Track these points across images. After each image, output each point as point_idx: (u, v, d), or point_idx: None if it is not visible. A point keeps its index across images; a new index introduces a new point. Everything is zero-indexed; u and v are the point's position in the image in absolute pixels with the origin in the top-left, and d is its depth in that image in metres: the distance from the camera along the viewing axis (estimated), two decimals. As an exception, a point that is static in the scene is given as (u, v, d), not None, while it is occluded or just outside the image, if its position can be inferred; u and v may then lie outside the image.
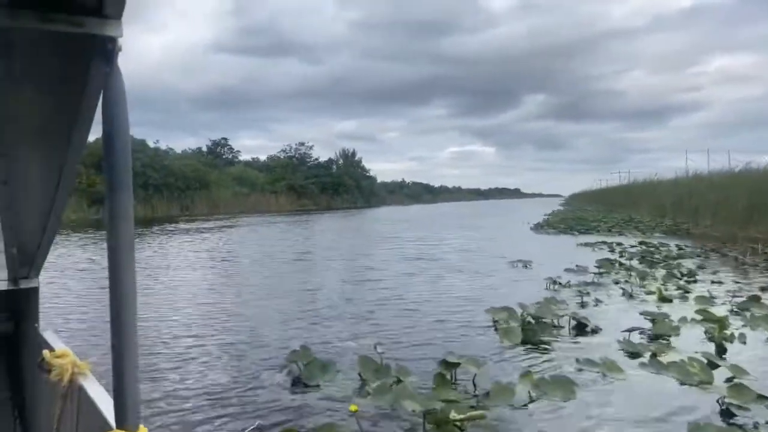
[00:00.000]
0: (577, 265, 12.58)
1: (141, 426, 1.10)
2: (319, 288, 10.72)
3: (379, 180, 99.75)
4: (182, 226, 31.91)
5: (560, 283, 10.45)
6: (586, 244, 18.22)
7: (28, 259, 2.39)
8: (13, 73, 1.16)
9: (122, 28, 0.96)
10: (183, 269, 13.73)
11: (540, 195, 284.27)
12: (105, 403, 1.55)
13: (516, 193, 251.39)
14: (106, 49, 0.97)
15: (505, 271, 12.66)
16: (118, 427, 1.08)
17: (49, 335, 2.31)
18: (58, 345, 2.12)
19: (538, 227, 28.10)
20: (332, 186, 77.88)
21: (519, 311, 7.66)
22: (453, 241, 20.97)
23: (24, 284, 2.55)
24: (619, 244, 17.77)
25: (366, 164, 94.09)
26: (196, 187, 50.94)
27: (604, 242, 18.58)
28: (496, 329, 7.17)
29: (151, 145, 49.13)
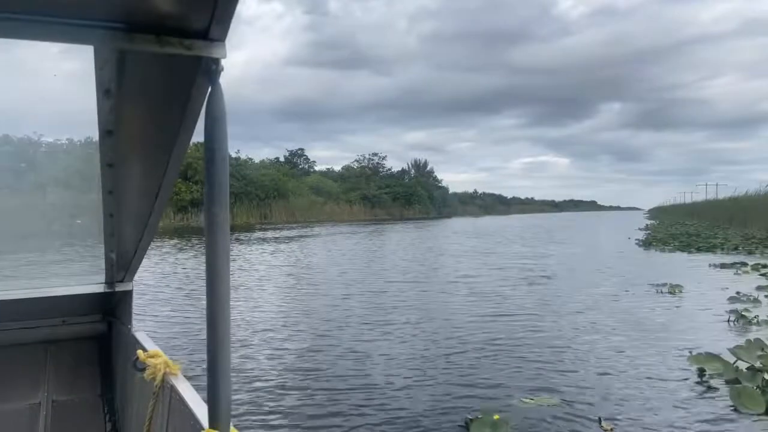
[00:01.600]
0: (739, 292, 10.54)
1: (232, 427, 1.12)
2: (451, 322, 8.74)
3: (450, 190, 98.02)
4: (261, 235, 31.69)
5: (746, 318, 8.49)
6: (722, 265, 15.86)
7: (124, 264, 2.46)
8: (126, 91, 1.27)
9: (226, 50, 1.02)
10: (274, 289, 12.75)
11: (618, 208, 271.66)
12: (195, 403, 1.56)
13: (592, 206, 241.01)
14: (210, 69, 1.03)
15: (652, 298, 10.76)
16: (211, 426, 1.11)
17: (141, 336, 2.35)
18: (150, 346, 2.15)
19: (646, 243, 25.49)
20: (405, 196, 76.97)
21: (732, 360, 5.93)
22: (559, 258, 19.05)
23: (119, 287, 2.61)
24: (765, 266, 15.30)
25: (437, 174, 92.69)
26: (274, 196, 51.35)
27: (743, 263, 16.13)
28: (707, 386, 5.49)
29: (233, 155, 49.89)
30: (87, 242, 2.57)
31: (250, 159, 57.06)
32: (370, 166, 79.70)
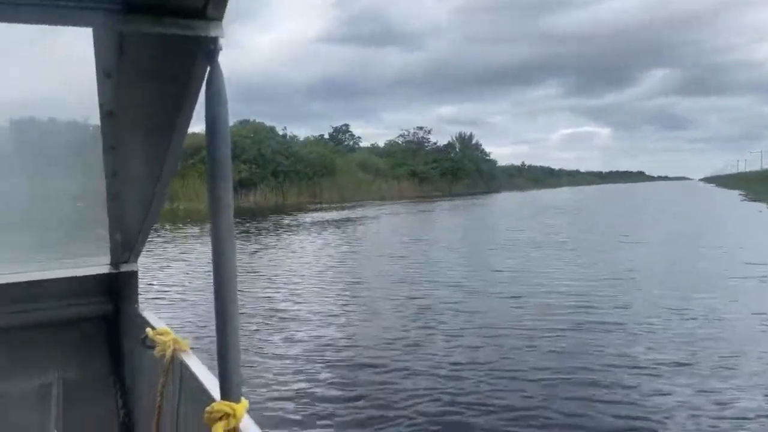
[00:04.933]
0: None
1: (243, 398, 1.14)
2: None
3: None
4: (316, 217, 29.89)
5: None
6: None
7: (128, 245, 2.54)
8: (126, 72, 1.28)
9: (223, 29, 1.01)
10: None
11: (666, 178, 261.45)
12: (206, 377, 1.59)
13: (640, 177, 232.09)
14: (209, 49, 1.02)
15: None
16: (223, 398, 1.13)
17: (148, 315, 2.40)
18: (158, 324, 2.18)
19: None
20: (452, 171, 74.23)
21: None
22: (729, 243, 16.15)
23: (124, 268, 2.70)
24: None
25: (484, 148, 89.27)
26: (323, 174, 49.61)
27: None
28: None
29: (279, 132, 48.27)
30: (91, 224, 2.59)
31: (295, 136, 55.51)
32: (416, 140, 77.04)
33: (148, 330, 2.05)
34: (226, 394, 1.14)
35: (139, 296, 2.71)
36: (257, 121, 46.89)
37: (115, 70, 1.30)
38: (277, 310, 8.50)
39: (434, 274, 11.05)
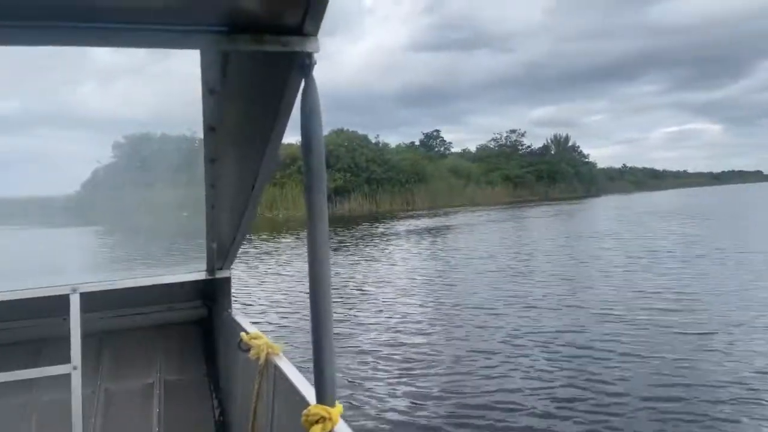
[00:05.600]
0: None
1: (338, 403, 1.16)
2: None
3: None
4: (410, 223, 29.49)
5: None
6: None
7: (223, 252, 2.59)
8: (226, 89, 1.34)
9: (318, 44, 1.04)
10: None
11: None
12: (300, 381, 1.62)
13: (758, 176, 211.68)
14: (304, 63, 1.06)
15: None
16: (318, 402, 1.15)
17: (241, 319, 2.47)
18: (251, 328, 2.24)
19: None
20: (549, 174, 71.29)
21: None
22: None
23: (219, 275, 2.77)
24: None
25: (582, 150, 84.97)
26: (415, 180, 49.38)
27: None
28: None
29: (372, 140, 48.65)
30: (189, 233, 2.65)
31: (386, 144, 55.79)
32: (508, 144, 74.95)
33: (242, 334, 2.11)
34: (321, 398, 1.16)
35: (233, 301, 2.77)
36: (350, 130, 47.54)
37: (218, 87, 1.34)
38: (371, 321, 8.22)
39: (558, 297, 10.00)
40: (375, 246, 18.25)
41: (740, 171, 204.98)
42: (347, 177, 43.76)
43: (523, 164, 68.95)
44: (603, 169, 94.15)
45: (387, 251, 16.82)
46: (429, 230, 24.10)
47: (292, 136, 1.39)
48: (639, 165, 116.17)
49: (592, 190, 78.46)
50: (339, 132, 46.62)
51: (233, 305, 2.76)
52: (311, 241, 1.12)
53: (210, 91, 1.38)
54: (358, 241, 20.07)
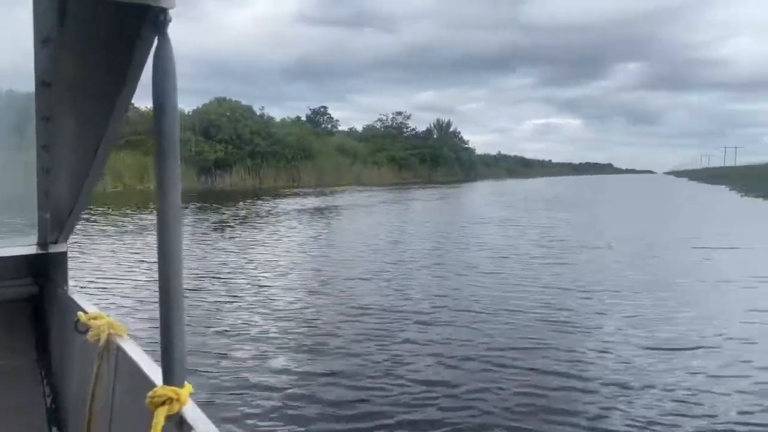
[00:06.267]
0: None
1: (186, 383, 1.10)
2: None
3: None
4: (297, 201, 28.17)
5: None
6: None
7: (58, 224, 2.39)
8: (63, 39, 1.20)
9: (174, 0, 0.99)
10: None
11: (633, 171, 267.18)
12: (145, 362, 1.51)
13: (609, 169, 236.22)
14: (157, 20, 0.98)
15: None
16: (165, 383, 1.09)
17: (79, 298, 2.25)
18: (90, 307, 2.07)
19: None
20: (432, 158, 72.98)
21: None
22: None
23: (53, 248, 2.55)
24: None
25: (463, 136, 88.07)
26: (301, 157, 47.66)
27: None
28: None
29: (257, 112, 45.95)
30: (19, 201, 2.43)
31: (272, 118, 53.17)
32: (394, 125, 75.38)
33: (80, 314, 1.90)
34: (168, 379, 1.10)
35: (69, 279, 2.55)
36: (233, 99, 44.45)
37: (54, 36, 1.23)
38: (243, 303, 7.42)
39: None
40: (258, 226, 16.75)
41: (595, 163, 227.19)
42: (229, 149, 40.94)
43: (407, 147, 69.78)
44: (480, 156, 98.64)
45: (272, 231, 15.43)
46: (317, 210, 22.90)
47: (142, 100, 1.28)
48: (511, 153, 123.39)
49: (471, 175, 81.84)
50: (221, 101, 43.38)
51: (70, 283, 2.50)
52: (162, 212, 1.03)
53: (44, 40, 1.26)
54: (241, 220, 18.37)
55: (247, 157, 42.17)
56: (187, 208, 21.32)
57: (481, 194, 38.57)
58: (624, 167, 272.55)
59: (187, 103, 41.31)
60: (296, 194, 32.61)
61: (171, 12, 0.96)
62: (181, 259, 1.07)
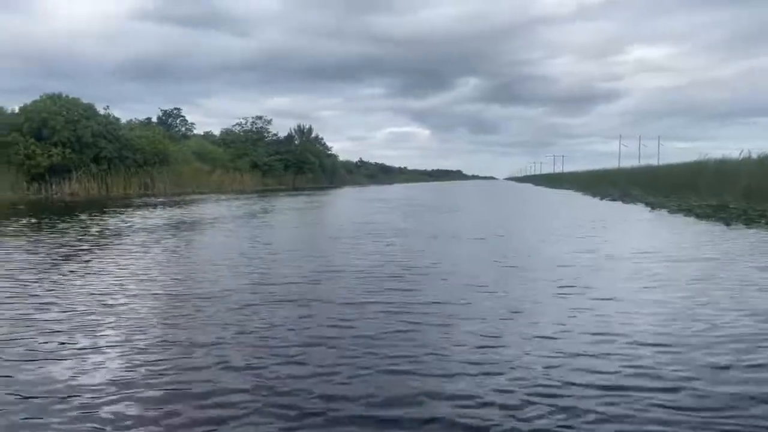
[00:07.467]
0: None
1: None
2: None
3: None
4: (157, 215, 25.21)
5: None
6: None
7: None
8: None
9: None
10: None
11: (477, 177, 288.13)
12: None
13: (459, 175, 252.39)
14: None
15: None
16: None
17: None
18: None
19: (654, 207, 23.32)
20: (296, 164, 71.52)
21: None
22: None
23: None
24: None
25: (326, 142, 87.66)
26: (155, 162, 43.44)
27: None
28: None
29: (101, 111, 40.86)
30: None
31: (117, 119, 47.76)
32: (254, 130, 72.57)
33: None
34: None
35: None
36: (70, 97, 39.04)
37: None
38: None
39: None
40: (103, 253, 14.27)
41: (447, 170, 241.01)
42: (67, 153, 35.79)
43: (270, 152, 67.56)
44: (343, 162, 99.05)
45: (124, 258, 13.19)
46: (174, 225, 20.40)
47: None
48: (368, 160, 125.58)
49: (334, 181, 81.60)
50: (55, 97, 37.81)
51: None
52: None
53: None
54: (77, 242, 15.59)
55: (91, 162, 37.25)
56: (22, 219, 17.68)
57: (356, 200, 38.02)
58: (470, 174, 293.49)
59: (6, 100, 35.15)
60: (151, 205, 29.11)
61: None
62: None
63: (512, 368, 4.22)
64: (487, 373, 4.11)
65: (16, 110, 37.27)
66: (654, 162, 59.26)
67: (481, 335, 5.14)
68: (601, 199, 33.67)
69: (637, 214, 22.24)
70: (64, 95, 38.27)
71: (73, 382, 4.05)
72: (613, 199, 31.54)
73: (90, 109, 39.08)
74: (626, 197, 31.08)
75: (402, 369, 4.26)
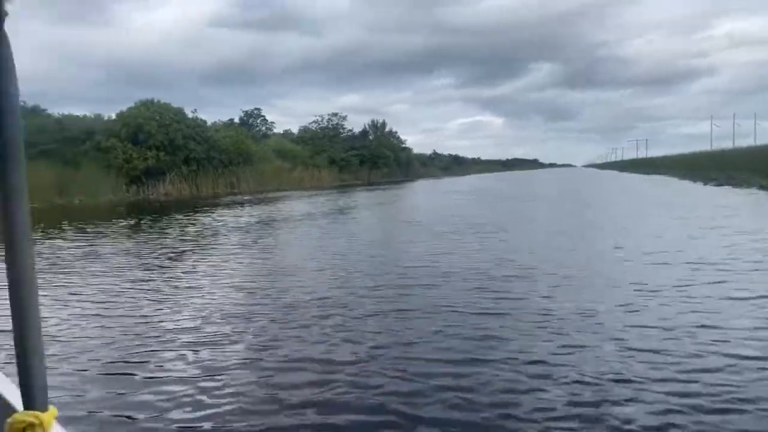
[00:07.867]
0: None
1: (51, 407, 1.05)
2: None
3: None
4: (242, 214, 25.85)
5: None
6: None
7: None
8: None
9: None
10: None
11: (555, 165, 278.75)
12: (4, 387, 1.38)
13: (535, 164, 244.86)
14: None
15: None
16: (26, 408, 1.04)
17: None
18: None
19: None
20: (371, 158, 71.75)
21: None
22: None
23: None
24: None
25: (400, 136, 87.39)
26: (239, 162, 44.88)
27: None
28: None
29: (189, 115, 42.68)
30: None
31: (204, 121, 49.75)
32: (330, 127, 73.52)
33: None
34: (29, 403, 1.04)
35: None
36: (162, 102, 41.00)
37: None
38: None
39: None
40: (203, 252, 14.59)
41: (522, 159, 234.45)
42: (161, 156, 37.65)
43: (346, 148, 68.21)
44: (416, 155, 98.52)
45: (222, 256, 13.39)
46: (262, 223, 20.70)
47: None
48: (441, 152, 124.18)
49: (409, 175, 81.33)
50: (148, 103, 39.85)
51: None
52: (10, 225, 0.99)
53: None
54: (176, 241, 16.08)
55: (182, 164, 39.01)
56: (123, 221, 18.67)
57: (435, 192, 37.51)
58: (547, 162, 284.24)
59: (98, 109, 37.38)
60: (239, 203, 30.03)
61: (8, 7, 0.88)
62: (34, 274, 1.02)
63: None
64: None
65: (113, 117, 39.62)
66: (750, 142, 54.58)
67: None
68: (705, 184, 31.16)
69: (758, 199, 20.29)
70: (155, 100, 40.26)
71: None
72: (719, 184, 29.08)
73: (180, 113, 40.91)
74: (733, 180, 28.58)
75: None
